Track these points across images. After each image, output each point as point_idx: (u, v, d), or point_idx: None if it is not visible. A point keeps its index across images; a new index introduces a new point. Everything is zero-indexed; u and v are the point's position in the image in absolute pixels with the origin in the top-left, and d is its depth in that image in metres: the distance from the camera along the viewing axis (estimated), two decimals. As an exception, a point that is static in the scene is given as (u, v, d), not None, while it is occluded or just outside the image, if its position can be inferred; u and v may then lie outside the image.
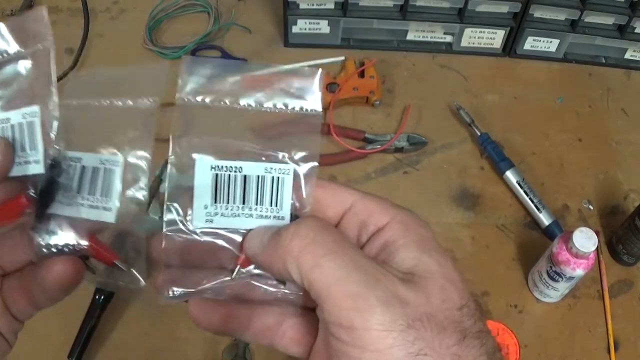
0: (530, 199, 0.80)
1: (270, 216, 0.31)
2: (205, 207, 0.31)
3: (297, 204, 0.32)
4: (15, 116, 0.32)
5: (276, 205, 0.31)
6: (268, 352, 0.69)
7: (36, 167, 0.31)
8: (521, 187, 0.81)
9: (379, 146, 0.85)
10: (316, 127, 0.32)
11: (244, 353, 0.66)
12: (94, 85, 0.34)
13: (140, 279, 0.34)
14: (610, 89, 0.95)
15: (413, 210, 0.31)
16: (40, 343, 0.68)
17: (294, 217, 0.32)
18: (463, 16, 0.91)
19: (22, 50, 0.32)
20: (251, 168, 0.31)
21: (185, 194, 0.31)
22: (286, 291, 0.32)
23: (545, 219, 0.79)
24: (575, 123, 0.91)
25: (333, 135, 0.84)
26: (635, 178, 0.85)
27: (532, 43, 0.95)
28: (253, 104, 0.32)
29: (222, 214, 0.31)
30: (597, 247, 0.66)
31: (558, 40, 0.94)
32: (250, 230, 0.31)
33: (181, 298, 0.32)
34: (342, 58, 0.93)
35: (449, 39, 0.96)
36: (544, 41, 0.94)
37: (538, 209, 0.80)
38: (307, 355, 0.33)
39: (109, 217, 0.32)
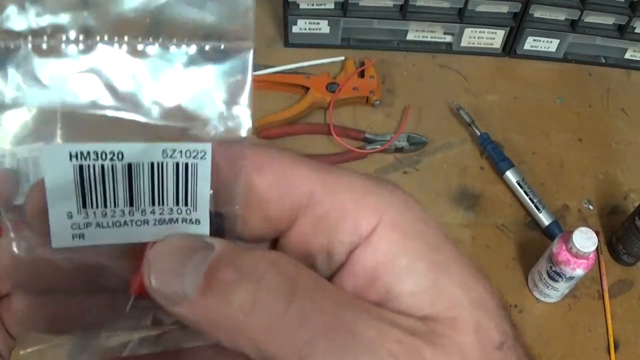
0: (530, 199, 0.80)
1: (177, 219, 0.21)
2: (70, 216, 0.20)
3: (219, 196, 0.21)
4: (22, 152, 0.33)
5: (185, 204, 0.21)
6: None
7: None
8: (521, 187, 0.81)
9: (379, 146, 0.85)
10: (244, 66, 0.20)
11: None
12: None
13: None
14: (610, 89, 0.95)
15: (404, 191, 0.21)
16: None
17: (216, 216, 0.21)
18: (463, 16, 0.91)
19: None
20: (137, 152, 0.20)
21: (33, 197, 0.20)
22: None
23: (545, 219, 0.79)
24: (575, 123, 0.91)
25: (333, 135, 0.84)
26: (635, 178, 0.85)
27: (532, 43, 0.95)
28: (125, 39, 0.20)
29: (97, 224, 0.20)
30: (597, 247, 0.66)
31: (558, 40, 0.94)
32: (152, 245, 0.20)
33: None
34: (342, 58, 0.93)
35: (449, 39, 0.96)
36: (544, 41, 0.94)
37: (538, 209, 0.80)
38: None
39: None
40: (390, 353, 0.17)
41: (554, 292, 0.72)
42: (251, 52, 0.20)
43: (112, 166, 0.20)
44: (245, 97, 0.20)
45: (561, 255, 0.68)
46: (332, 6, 0.91)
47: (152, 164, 0.20)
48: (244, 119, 0.21)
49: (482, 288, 0.20)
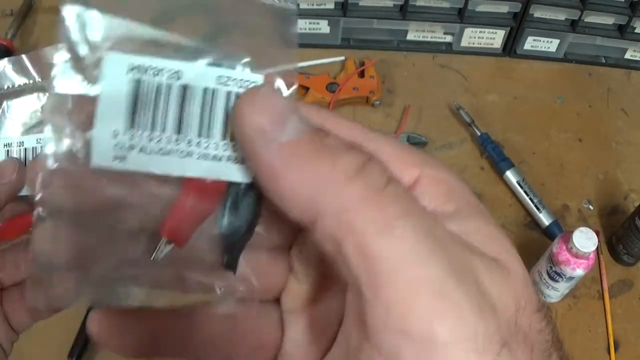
0: (530, 199, 0.80)
1: (222, 157, 0.20)
2: (115, 135, 0.19)
3: None
4: (29, 140, 0.33)
5: (233, 140, 0.20)
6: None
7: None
8: (521, 187, 0.81)
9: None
10: (292, 24, 0.20)
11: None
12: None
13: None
14: (610, 89, 0.95)
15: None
16: (40, 343, 0.68)
17: None
18: (463, 16, 0.91)
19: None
20: (196, 74, 0.19)
21: (81, 106, 0.19)
22: (219, 284, 0.21)
23: (545, 219, 0.79)
24: (575, 123, 0.91)
25: (333, 135, 0.84)
26: (635, 178, 0.85)
27: (532, 43, 0.95)
28: None
29: (141, 149, 0.19)
30: (597, 247, 0.66)
31: (558, 40, 0.94)
32: (247, 89, 0.19)
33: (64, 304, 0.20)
34: (342, 58, 0.93)
35: (449, 39, 0.96)
36: (544, 41, 0.94)
37: (538, 209, 0.80)
38: None
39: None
40: (464, 264, 0.18)
41: (554, 292, 0.72)
42: None
43: (169, 86, 0.19)
44: None
45: (561, 255, 0.68)
46: (332, 6, 0.91)
47: (206, 89, 0.19)
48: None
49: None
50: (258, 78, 0.20)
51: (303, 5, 0.91)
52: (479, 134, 0.85)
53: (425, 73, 0.95)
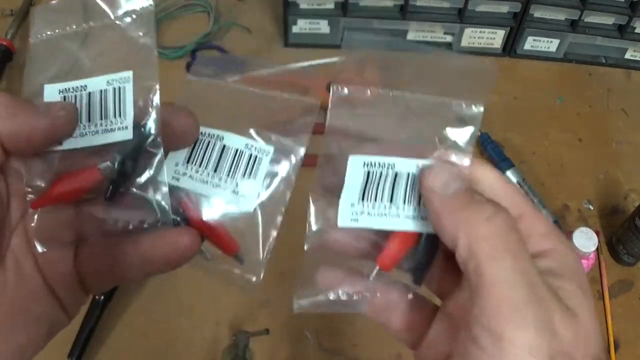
0: (530, 199, 0.80)
1: (417, 217, 0.30)
2: (352, 206, 0.30)
3: None
4: (95, 83, 0.30)
5: (424, 206, 0.30)
6: (269, 352, 0.69)
7: (123, 134, 0.30)
8: (521, 187, 0.81)
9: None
10: (475, 122, 0.31)
11: (244, 353, 0.65)
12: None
13: (255, 275, 0.31)
14: (610, 89, 0.95)
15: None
16: (40, 343, 0.68)
17: None
18: (463, 16, 0.91)
19: (118, 13, 0.31)
20: (403, 165, 0.30)
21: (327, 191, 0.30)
22: (417, 292, 0.31)
23: (545, 219, 0.79)
24: (575, 123, 0.91)
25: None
26: (635, 178, 0.85)
27: (532, 43, 0.95)
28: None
29: (368, 213, 0.30)
30: (597, 247, 0.66)
31: (558, 40, 0.94)
32: (430, 165, 0.30)
33: (311, 308, 0.30)
34: (342, 58, 0.93)
35: (449, 39, 0.96)
36: (544, 41, 0.94)
37: (538, 209, 0.80)
38: (414, 344, 0.32)
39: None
40: (541, 297, 0.25)
41: (554, 292, 0.72)
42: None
43: (387, 173, 0.30)
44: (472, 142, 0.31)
45: (561, 255, 0.68)
46: (332, 6, 0.91)
47: (408, 173, 0.30)
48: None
49: (597, 322, 0.28)
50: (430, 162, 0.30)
51: (303, 5, 0.91)
52: (479, 133, 0.85)
53: (425, 73, 0.94)
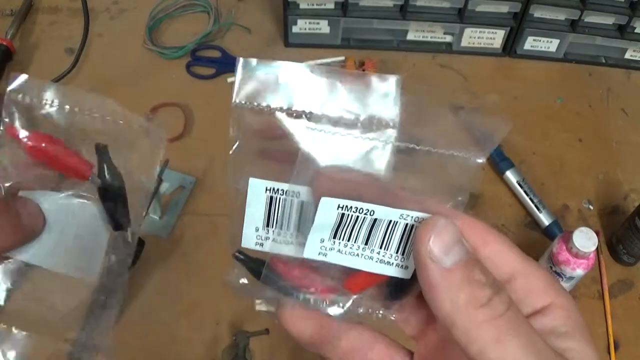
0: (530, 199, 0.80)
1: (393, 263, 0.28)
2: (322, 241, 0.28)
3: None
4: None
5: (403, 254, 0.28)
6: (269, 352, 0.69)
7: None
8: (521, 187, 0.81)
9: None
10: (476, 176, 0.29)
11: (244, 353, 0.65)
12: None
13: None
14: (610, 89, 0.95)
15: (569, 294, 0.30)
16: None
17: None
18: (463, 16, 0.91)
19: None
20: (384, 213, 0.28)
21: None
22: (392, 318, 0.30)
23: (545, 219, 0.79)
24: (575, 123, 0.91)
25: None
26: (635, 178, 0.85)
27: (532, 43, 0.95)
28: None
29: (338, 251, 0.28)
30: (597, 247, 0.66)
31: (558, 40, 0.94)
32: (428, 219, 0.27)
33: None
34: (342, 58, 0.93)
35: (449, 39, 0.96)
36: (544, 41, 0.94)
37: (538, 209, 0.80)
38: None
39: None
40: None
41: (554, 292, 0.72)
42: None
43: (363, 219, 0.28)
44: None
45: (561, 255, 0.68)
46: (332, 6, 0.91)
47: (390, 222, 0.28)
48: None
49: None
50: (426, 217, 0.27)
51: (303, 5, 0.91)
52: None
53: (425, 73, 0.95)
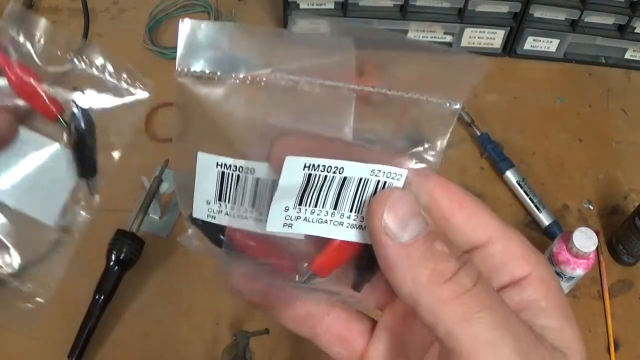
0: (530, 199, 0.80)
1: (365, 227, 0.25)
2: (286, 210, 0.25)
3: None
4: None
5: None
6: (269, 352, 0.69)
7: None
8: (521, 187, 0.81)
9: (379, 146, 0.85)
10: (447, 122, 0.26)
11: (244, 353, 0.65)
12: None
13: None
14: (610, 89, 0.95)
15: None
16: (40, 343, 0.68)
17: None
18: (463, 16, 0.91)
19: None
20: (354, 169, 0.25)
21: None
22: (354, 299, 0.27)
23: (545, 219, 0.79)
24: (575, 123, 0.91)
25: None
26: (635, 178, 0.85)
27: (532, 43, 0.95)
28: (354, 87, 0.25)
29: (305, 219, 0.25)
30: (597, 247, 0.66)
31: (558, 40, 0.94)
32: (384, 192, 0.24)
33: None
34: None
35: (449, 39, 0.96)
36: (544, 41, 0.94)
37: (538, 209, 0.80)
38: None
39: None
40: (529, 349, 0.23)
41: (554, 292, 0.72)
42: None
43: (332, 178, 0.25)
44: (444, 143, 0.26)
45: (561, 255, 0.68)
46: (332, 6, 0.91)
47: (361, 179, 0.25)
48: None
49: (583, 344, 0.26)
50: (403, 172, 0.25)
51: (303, 5, 0.91)
52: (479, 133, 0.85)
53: (425, 73, 0.94)
